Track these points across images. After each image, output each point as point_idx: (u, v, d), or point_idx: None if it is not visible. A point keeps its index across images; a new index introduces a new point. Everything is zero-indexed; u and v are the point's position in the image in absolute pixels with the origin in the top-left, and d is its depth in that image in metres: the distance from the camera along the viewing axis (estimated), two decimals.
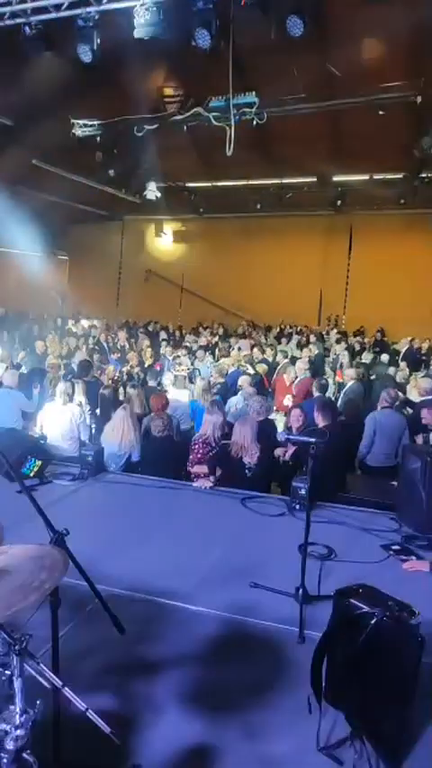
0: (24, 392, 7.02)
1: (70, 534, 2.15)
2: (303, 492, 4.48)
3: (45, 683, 1.82)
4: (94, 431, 6.37)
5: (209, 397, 7.10)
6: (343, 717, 2.35)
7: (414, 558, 3.82)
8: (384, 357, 11.45)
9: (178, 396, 7.59)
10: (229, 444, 5.21)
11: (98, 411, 7.16)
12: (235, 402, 7.32)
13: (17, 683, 1.70)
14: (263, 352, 11.87)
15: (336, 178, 16.59)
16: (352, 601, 2.36)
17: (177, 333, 16.08)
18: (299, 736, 2.30)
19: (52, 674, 1.72)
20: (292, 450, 5.39)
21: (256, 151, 15.32)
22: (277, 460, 5.48)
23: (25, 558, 1.89)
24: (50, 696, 1.87)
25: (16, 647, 1.68)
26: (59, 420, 5.92)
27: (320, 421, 5.59)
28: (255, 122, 10.90)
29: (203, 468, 5.25)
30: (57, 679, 1.72)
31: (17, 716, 1.70)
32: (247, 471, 5.14)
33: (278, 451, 5.47)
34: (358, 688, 2.25)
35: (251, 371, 9.20)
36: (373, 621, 2.22)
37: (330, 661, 2.40)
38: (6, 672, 1.76)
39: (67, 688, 1.71)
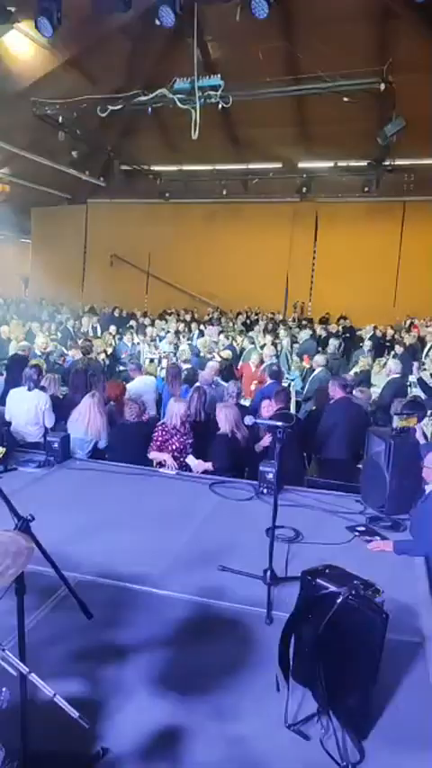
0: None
1: (36, 520, 2.11)
2: (270, 476, 4.52)
3: (11, 671, 1.79)
4: None
5: (177, 383, 7.08)
6: (310, 694, 2.40)
7: (378, 538, 3.90)
8: (367, 344, 11.54)
9: (144, 382, 7.51)
10: (225, 432, 5.20)
11: None
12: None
13: None
14: (233, 339, 11.91)
15: (301, 164, 16.65)
16: (318, 581, 2.39)
17: (142, 319, 15.93)
18: (267, 714, 2.33)
19: (18, 661, 1.69)
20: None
21: (222, 135, 15.27)
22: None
23: None
24: (17, 683, 1.84)
25: None
26: (24, 406, 5.82)
27: (273, 407, 5.63)
28: (220, 106, 10.80)
29: (161, 456, 5.23)
30: (23, 666, 1.69)
31: None
32: (246, 451, 5.22)
33: (260, 445, 5.44)
34: (324, 665, 2.29)
35: (217, 359, 9.20)
36: (338, 600, 2.26)
37: (297, 640, 2.45)
38: None
39: (33, 674, 1.69)
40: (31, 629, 2.07)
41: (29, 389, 5.85)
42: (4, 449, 4.94)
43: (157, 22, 7.47)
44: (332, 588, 2.32)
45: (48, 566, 2.22)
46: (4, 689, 1.72)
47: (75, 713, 1.67)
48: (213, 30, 10.32)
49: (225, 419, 5.25)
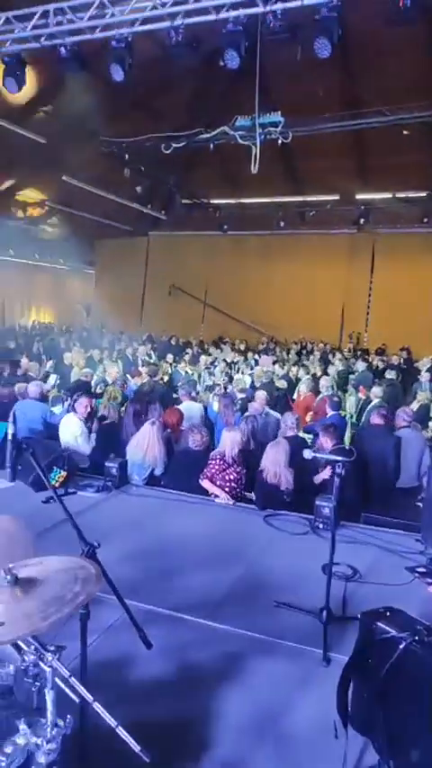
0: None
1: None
2: (327, 511, 4.45)
3: (74, 697, 1.83)
4: None
5: (230, 412, 7.09)
6: (370, 744, 2.31)
7: None
8: (425, 376, 11.19)
9: (189, 408, 7.54)
10: (263, 470, 5.05)
11: None
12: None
13: (49, 696, 1.70)
14: (289, 369, 11.91)
15: (359, 196, 16.62)
16: (379, 624, 2.32)
17: (197, 348, 16.15)
18: (325, 761, 2.26)
19: (83, 689, 1.72)
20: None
21: (281, 169, 15.46)
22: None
23: (59, 570, 1.91)
24: (78, 710, 1.88)
25: (49, 659, 1.69)
26: (66, 431, 6.03)
27: (327, 443, 5.34)
28: (280, 141, 11.01)
29: (215, 489, 5.21)
30: (87, 693, 1.72)
31: (48, 729, 1.70)
32: (285, 497, 5.01)
33: (319, 477, 5.31)
34: (385, 714, 2.20)
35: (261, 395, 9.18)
36: (401, 646, 2.19)
37: (356, 686, 2.37)
38: (36, 683, 1.77)
39: (97, 703, 1.72)
40: (89, 655, 2.10)
41: (66, 412, 6.10)
42: (66, 473, 5.09)
43: (222, 64, 7.73)
44: (393, 633, 2.24)
45: (107, 592, 2.25)
46: (68, 716, 1.75)
47: (136, 746, 1.68)
48: (274, 68, 10.57)
49: (267, 459, 5.05)
